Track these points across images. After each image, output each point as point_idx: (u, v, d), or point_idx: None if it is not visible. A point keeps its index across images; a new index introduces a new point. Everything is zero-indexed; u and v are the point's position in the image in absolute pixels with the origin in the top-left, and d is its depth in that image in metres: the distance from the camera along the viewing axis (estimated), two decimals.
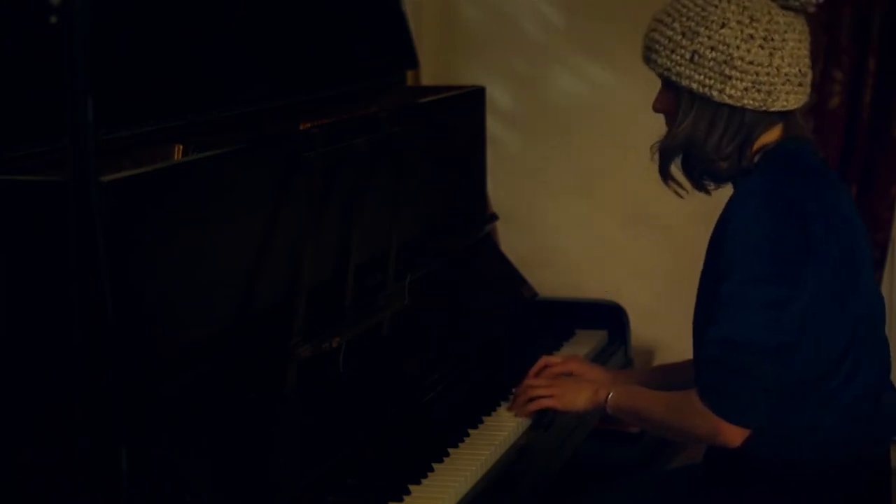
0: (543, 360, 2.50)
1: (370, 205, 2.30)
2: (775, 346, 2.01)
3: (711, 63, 2.06)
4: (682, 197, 2.23)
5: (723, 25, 2.06)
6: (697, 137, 2.10)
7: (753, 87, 2.06)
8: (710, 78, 2.07)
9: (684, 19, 2.09)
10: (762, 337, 2.00)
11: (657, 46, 2.12)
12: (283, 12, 2.57)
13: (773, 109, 2.08)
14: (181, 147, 2.15)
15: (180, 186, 1.92)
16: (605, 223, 3.72)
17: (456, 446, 2.26)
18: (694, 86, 2.08)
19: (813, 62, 3.58)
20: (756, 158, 2.11)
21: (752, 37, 2.05)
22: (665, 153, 2.16)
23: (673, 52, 2.09)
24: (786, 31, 2.07)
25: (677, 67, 2.09)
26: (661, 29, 2.12)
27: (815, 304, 2.03)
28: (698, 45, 2.07)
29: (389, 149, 2.34)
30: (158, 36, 2.22)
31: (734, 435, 2.05)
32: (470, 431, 2.33)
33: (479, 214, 3.00)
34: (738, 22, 2.06)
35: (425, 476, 2.14)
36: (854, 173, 3.67)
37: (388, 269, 2.36)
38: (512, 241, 3.38)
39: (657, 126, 2.21)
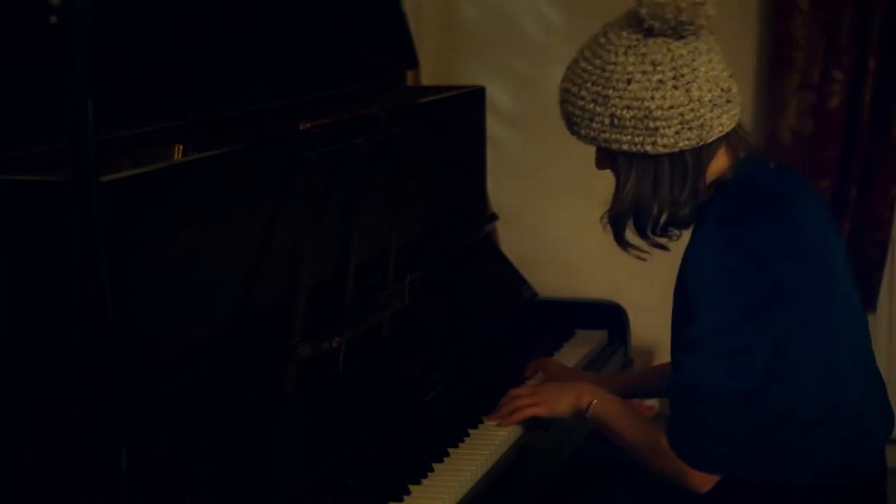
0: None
1: (370, 205, 2.30)
2: (736, 394, 1.98)
3: (632, 122, 1.98)
4: (644, 260, 2.15)
5: (629, 82, 1.98)
6: (645, 195, 2.04)
7: (684, 128, 1.98)
8: (637, 136, 1.99)
9: (589, 85, 2.02)
10: (722, 385, 1.97)
11: (575, 119, 2.05)
12: (282, 12, 2.57)
13: (711, 139, 2.01)
14: (181, 147, 2.15)
15: (180, 186, 1.92)
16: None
17: (456, 446, 2.26)
18: (625, 147, 2.01)
19: (813, 62, 3.63)
20: (711, 191, 2.05)
21: (661, 82, 1.97)
22: (616, 220, 2.10)
23: (591, 120, 2.02)
24: (693, 60, 1.99)
25: (602, 135, 2.02)
26: (571, 100, 2.05)
27: (783, 346, 1.99)
28: (613, 108, 1.99)
29: (389, 149, 2.34)
30: (158, 36, 2.21)
31: (701, 481, 2.03)
32: (470, 431, 2.33)
33: (479, 214, 3.00)
34: (643, 73, 1.98)
35: (425, 476, 2.14)
36: (854, 173, 3.67)
37: (388, 269, 2.36)
38: (512, 241, 3.38)
39: None
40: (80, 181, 1.43)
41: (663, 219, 2.07)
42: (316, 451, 2.04)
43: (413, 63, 3.11)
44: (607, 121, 2.00)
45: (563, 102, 2.08)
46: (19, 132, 1.89)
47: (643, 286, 3.61)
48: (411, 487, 2.09)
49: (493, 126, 3.32)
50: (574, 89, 2.05)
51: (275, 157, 2.14)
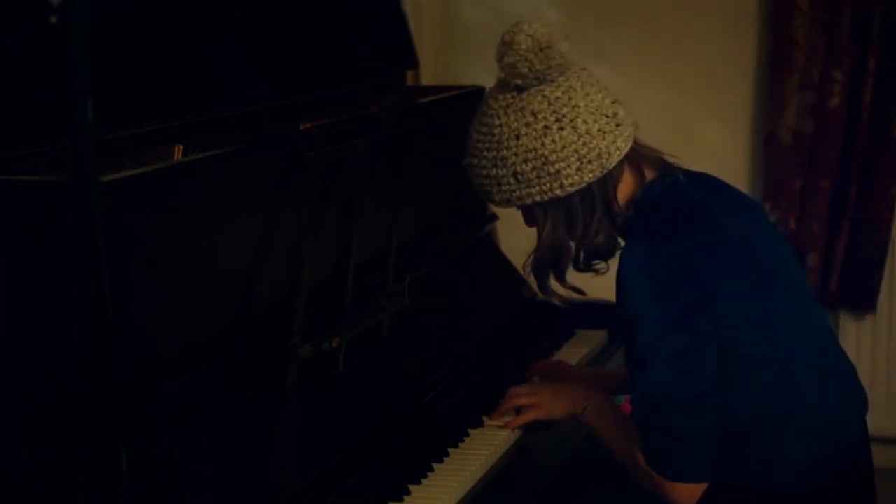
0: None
1: (370, 205, 2.30)
2: (691, 398, 2.00)
3: (534, 172, 2.03)
4: (569, 304, 2.21)
5: (518, 137, 2.04)
6: (560, 237, 2.09)
7: (583, 162, 2.03)
8: (544, 184, 2.04)
9: (485, 152, 2.08)
10: (675, 390, 2.00)
11: (486, 189, 2.10)
12: (282, 12, 2.57)
13: (612, 165, 2.05)
14: (181, 147, 2.15)
15: (180, 186, 1.92)
16: None
17: (456, 446, 2.26)
18: (538, 198, 2.05)
19: (813, 62, 3.63)
20: (628, 210, 2.09)
21: (547, 128, 2.03)
22: (539, 269, 2.13)
23: (500, 185, 2.07)
24: (570, 99, 2.04)
25: (514, 194, 2.07)
26: (476, 171, 2.10)
27: (726, 349, 2.01)
28: (513, 167, 2.04)
29: (389, 149, 2.34)
30: (158, 36, 2.22)
31: (684, 493, 2.04)
32: (470, 431, 2.33)
33: (479, 214, 3.00)
34: (527, 125, 2.03)
35: (425, 476, 2.14)
36: (854, 173, 3.67)
37: (388, 269, 2.36)
38: (512, 241, 3.37)
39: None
40: (80, 181, 1.44)
41: (582, 254, 2.14)
42: (316, 451, 2.04)
43: (413, 63, 3.11)
44: (512, 180, 2.06)
45: (471, 178, 2.14)
46: (19, 132, 1.89)
47: None
48: (411, 487, 2.08)
49: None
50: (475, 161, 2.11)
51: (275, 157, 2.14)
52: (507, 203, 2.10)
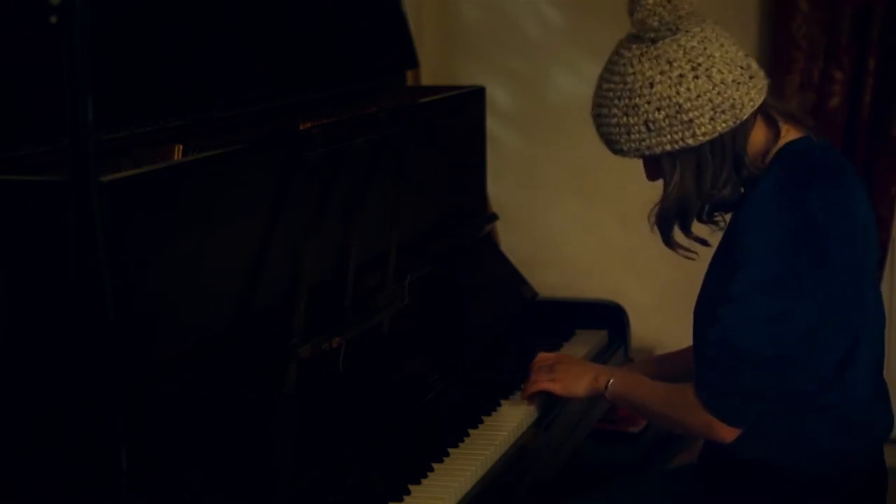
0: (540, 355, 2.50)
1: (370, 205, 2.30)
2: (773, 357, 2.02)
3: (667, 121, 2.03)
4: (693, 260, 2.19)
5: (651, 85, 2.03)
6: (688, 188, 2.08)
7: (717, 112, 2.02)
8: (675, 132, 2.04)
9: (616, 100, 2.07)
10: (762, 347, 2.01)
11: (613, 137, 2.09)
12: (282, 12, 2.57)
13: (745, 116, 2.05)
14: (181, 147, 2.15)
15: (180, 186, 1.92)
16: (605, 223, 3.72)
17: (456, 446, 2.26)
18: (668, 147, 2.05)
19: (813, 62, 3.62)
20: (767, 159, 2.09)
21: (682, 76, 2.02)
22: (663, 220, 2.14)
23: (629, 133, 2.06)
24: (705, 49, 2.04)
25: (643, 143, 2.06)
26: (605, 121, 2.09)
27: (819, 317, 2.03)
28: (645, 115, 2.04)
29: (389, 149, 2.35)
30: (158, 36, 2.22)
31: (726, 432, 2.07)
32: (470, 431, 2.33)
33: (479, 214, 3.00)
34: (661, 73, 2.03)
35: (425, 476, 2.14)
36: None
37: (388, 269, 2.36)
38: (512, 241, 3.38)
39: None
40: (80, 181, 1.44)
41: (707, 206, 2.13)
42: (316, 451, 2.04)
43: (413, 63, 3.11)
44: (643, 128, 2.05)
45: (598, 127, 2.12)
46: (19, 132, 1.89)
47: (643, 286, 3.62)
48: (411, 487, 2.09)
49: (493, 126, 3.32)
50: (605, 111, 2.09)
51: (275, 157, 2.14)
52: (636, 153, 2.09)
